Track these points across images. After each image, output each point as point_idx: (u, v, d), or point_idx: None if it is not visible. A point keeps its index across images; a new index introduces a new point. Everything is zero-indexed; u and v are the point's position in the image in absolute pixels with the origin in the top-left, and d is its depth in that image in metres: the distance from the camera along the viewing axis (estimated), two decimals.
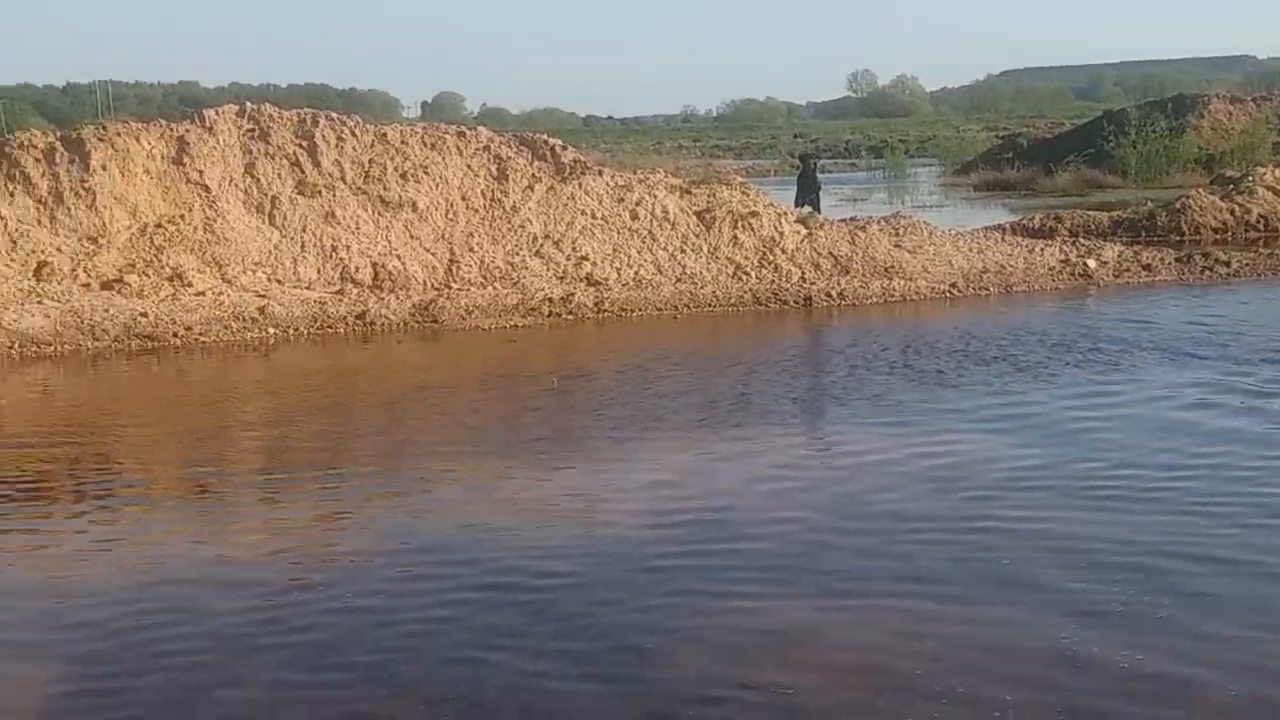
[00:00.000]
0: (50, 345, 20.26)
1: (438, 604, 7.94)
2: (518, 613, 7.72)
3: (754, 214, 25.23)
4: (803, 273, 24.33)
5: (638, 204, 25.13)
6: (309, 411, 14.97)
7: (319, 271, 23.50)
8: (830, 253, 24.82)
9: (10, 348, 20.01)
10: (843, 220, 26.96)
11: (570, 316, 22.55)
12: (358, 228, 23.98)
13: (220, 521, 10.14)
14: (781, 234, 25.00)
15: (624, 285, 23.84)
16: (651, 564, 8.76)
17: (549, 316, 22.53)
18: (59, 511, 10.45)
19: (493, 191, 24.95)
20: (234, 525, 10.00)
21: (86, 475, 11.83)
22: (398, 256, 23.81)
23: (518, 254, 24.34)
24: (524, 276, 23.90)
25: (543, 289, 23.39)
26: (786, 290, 23.57)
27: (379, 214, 24.24)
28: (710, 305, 23.14)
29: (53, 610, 7.63)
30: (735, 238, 24.99)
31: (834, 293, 23.38)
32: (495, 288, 23.54)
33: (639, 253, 24.58)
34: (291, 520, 10.03)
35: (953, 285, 23.79)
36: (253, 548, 9.20)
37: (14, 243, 22.39)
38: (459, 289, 23.38)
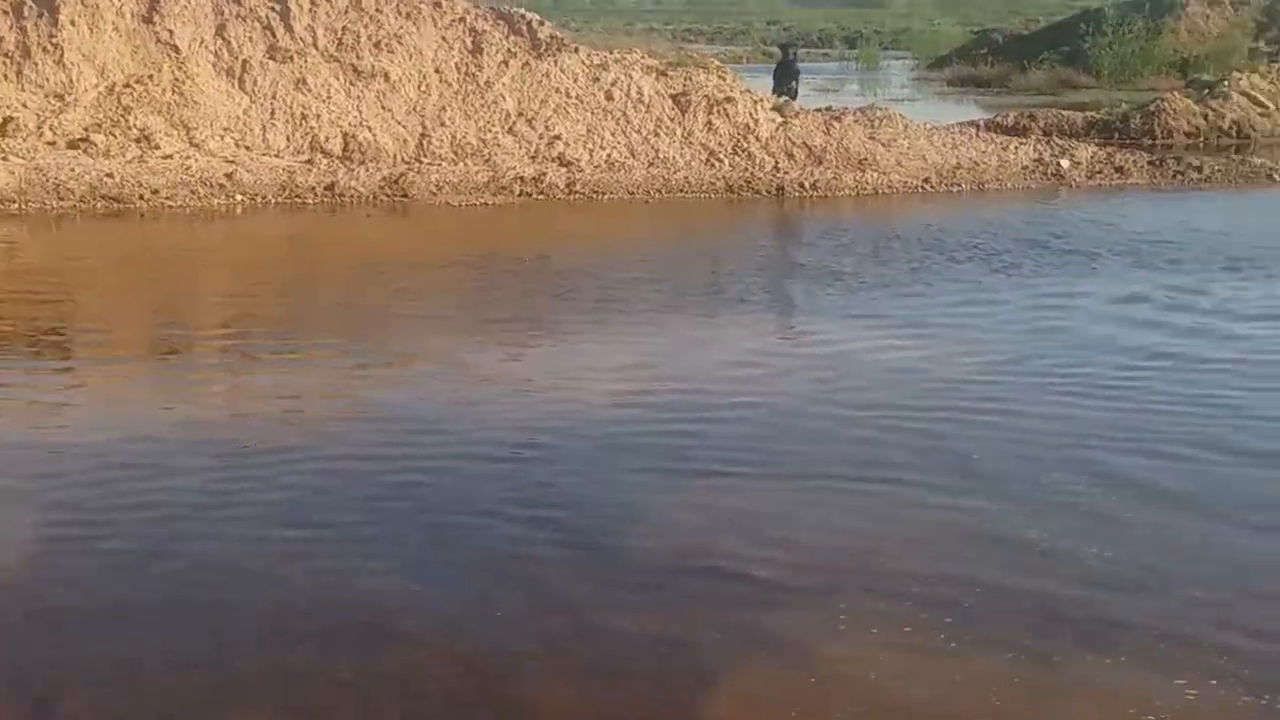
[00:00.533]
0: (14, 203, 20.04)
1: (408, 470, 7.97)
2: (491, 482, 7.76)
3: (730, 99, 25.05)
4: (776, 161, 24.23)
5: (613, 84, 24.89)
6: (275, 281, 14.92)
7: (288, 140, 23.23)
8: (804, 143, 24.70)
9: None
10: (818, 110, 26.79)
11: (541, 196, 22.42)
12: (329, 96, 23.67)
13: (185, 384, 10.10)
14: (756, 121, 24.85)
15: (596, 167, 23.68)
16: (623, 441, 8.82)
17: (520, 196, 22.40)
18: (24, 368, 10.38)
19: (467, 65, 24.64)
20: (199, 389, 9.95)
21: (50, 334, 11.76)
22: (368, 128, 23.54)
23: (490, 130, 24.11)
24: (496, 154, 23.70)
25: (514, 167, 23.21)
26: (759, 179, 23.48)
27: (351, 83, 23.93)
28: (682, 191, 23.06)
29: (27, 460, 7.62)
30: (710, 123, 24.82)
31: (807, 183, 23.32)
32: (466, 164, 23.34)
33: (612, 134, 24.40)
34: (258, 387, 10.00)
35: (925, 180, 23.75)
36: (219, 409, 9.21)
37: None
38: (429, 164, 23.18)
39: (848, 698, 5.17)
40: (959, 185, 23.67)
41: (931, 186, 23.48)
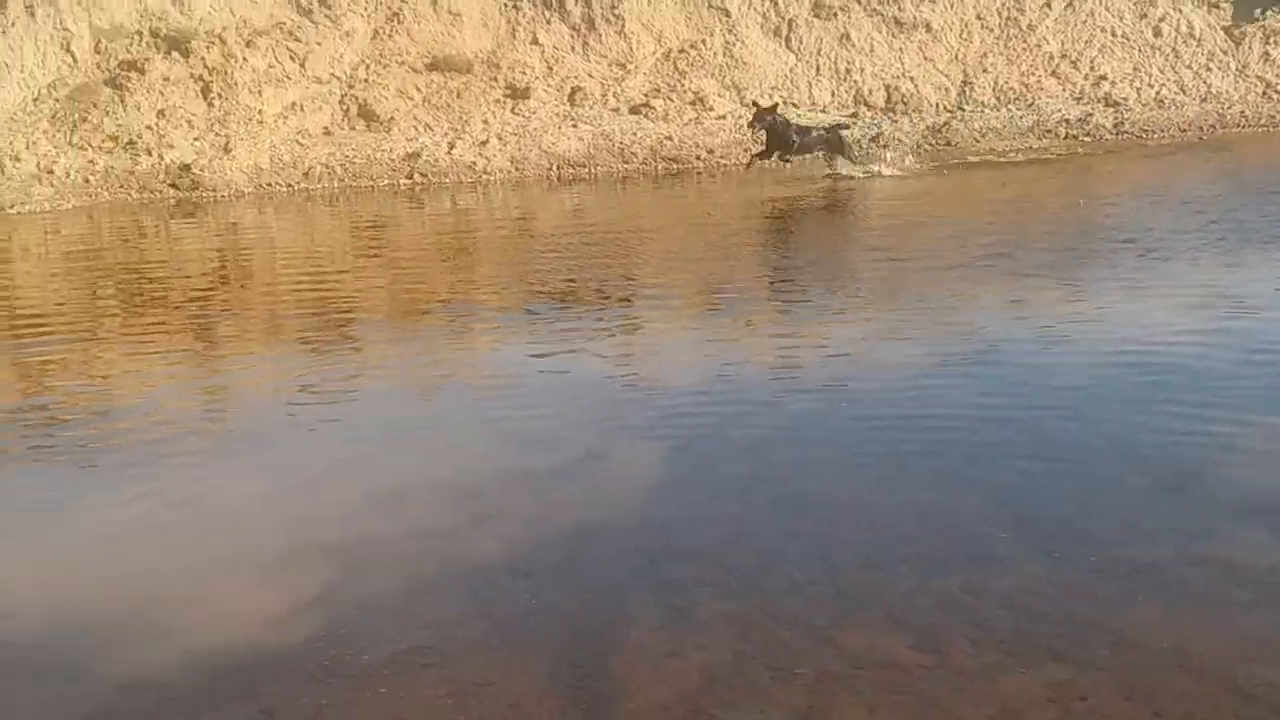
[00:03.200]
0: (584, 167, 21.57)
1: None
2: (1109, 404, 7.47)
3: None
4: None
5: (1161, 20, 24.11)
6: (875, 233, 15.33)
7: (833, 94, 23.90)
8: None
9: (549, 169, 21.46)
10: None
11: (1087, 138, 22.04)
12: (871, 50, 24.15)
13: (738, 332, 10.08)
14: None
15: (1144, 105, 23.07)
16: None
17: (1065, 139, 22.09)
18: (592, 315, 10.90)
19: (1008, 10, 24.51)
20: (762, 338, 9.90)
21: (621, 287, 12.36)
22: (910, 79, 23.87)
23: (1033, 74, 23.93)
24: (1039, 97, 23.48)
25: (1059, 110, 22.93)
26: None
27: (892, 36, 24.30)
28: (1239, 126, 22.07)
29: (623, 400, 8.08)
30: (1266, 54, 23.60)
31: None
32: (1010, 109, 23.25)
33: (1161, 71, 23.66)
34: (823, 333, 10.00)
35: None
36: (801, 355, 9.28)
37: (550, 69, 23.83)
38: (972, 111, 23.24)
39: None
40: None
41: None
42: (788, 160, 18.83)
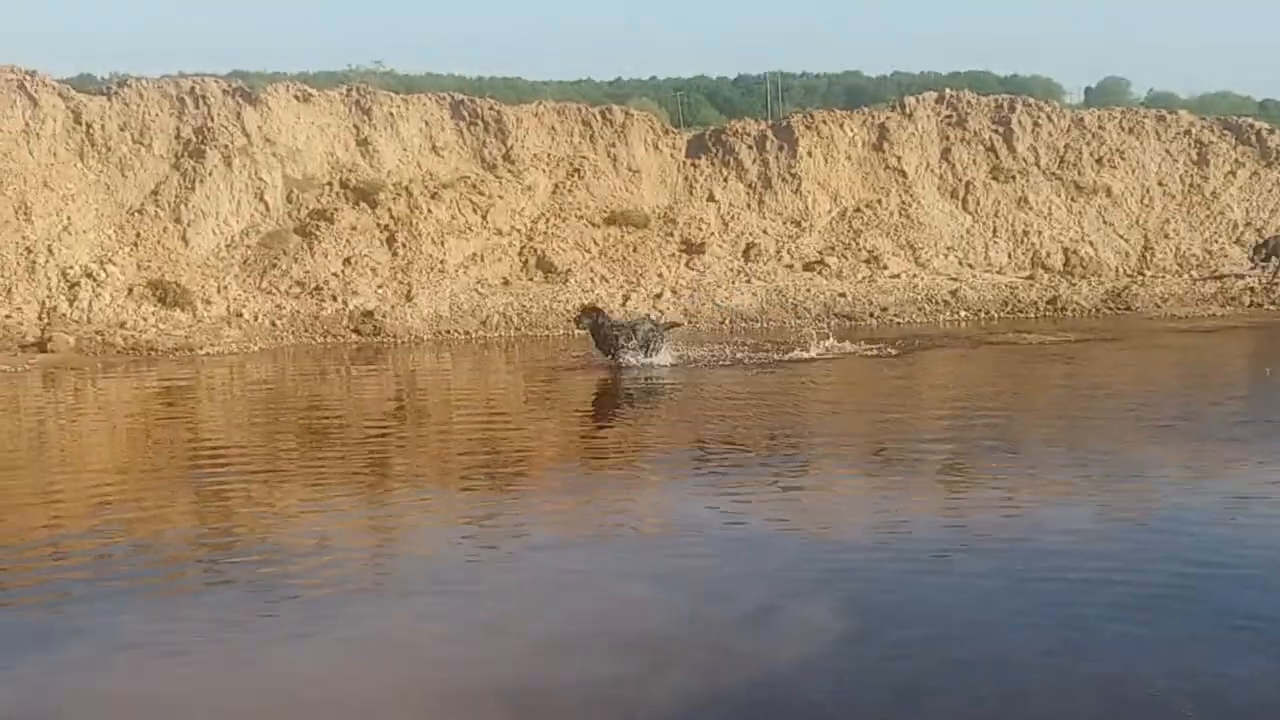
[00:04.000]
0: (756, 321, 21.64)
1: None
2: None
3: None
4: None
5: None
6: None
7: (1009, 256, 23.79)
8: None
9: (721, 323, 21.58)
10: None
11: (1273, 306, 21.51)
12: (1049, 213, 24.04)
13: (910, 484, 9.98)
14: None
15: None
16: None
17: (1249, 307, 21.59)
18: (762, 464, 10.90)
19: (1191, 177, 24.25)
20: (936, 493, 9.78)
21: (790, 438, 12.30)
22: (1089, 242, 23.67)
23: (1216, 241, 23.53)
24: (1222, 264, 23.05)
25: (1243, 278, 22.47)
26: None
27: (1071, 199, 24.19)
28: None
29: (795, 552, 7.96)
30: None
31: None
32: (1190, 276, 22.85)
33: None
34: (1000, 489, 9.83)
35: None
36: (974, 511, 9.10)
37: (726, 225, 24.14)
38: (1152, 276, 22.89)
39: None
40: None
41: None
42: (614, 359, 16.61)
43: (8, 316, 20.34)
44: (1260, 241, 18.10)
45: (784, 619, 6.49)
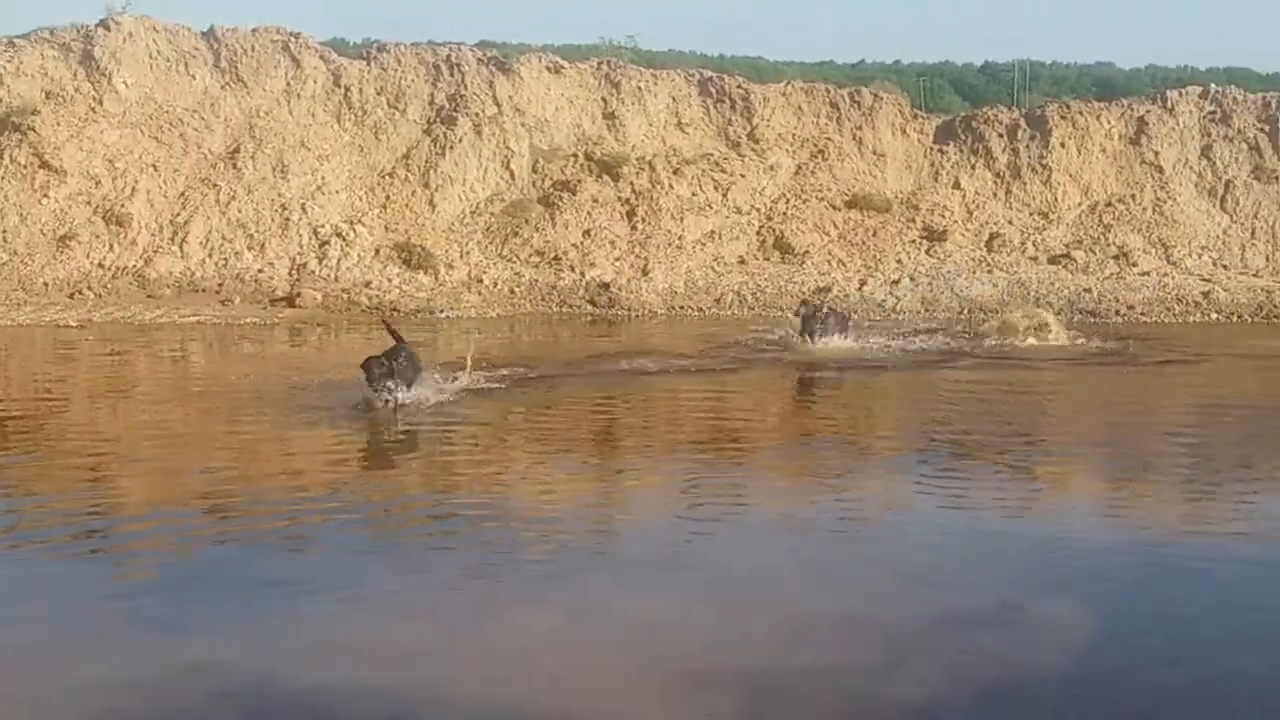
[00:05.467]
0: (995, 313, 21.03)
1: None
2: None
3: None
4: None
5: None
6: None
7: (1267, 259, 22.78)
8: None
9: (960, 313, 21.10)
10: None
11: None
12: None
13: (1153, 490, 9.64)
14: None
15: None
16: None
17: None
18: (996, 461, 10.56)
19: None
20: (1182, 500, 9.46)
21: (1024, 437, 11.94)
22: None
23: None
24: None
25: None
26: None
27: None
28: None
29: (1034, 552, 7.71)
30: None
31: None
32: None
33: None
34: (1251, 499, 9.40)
35: None
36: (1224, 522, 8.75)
37: (970, 213, 23.63)
38: None
39: None
40: None
41: None
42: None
43: (260, 271, 21.11)
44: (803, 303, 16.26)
45: (1028, 617, 6.31)
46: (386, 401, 11.11)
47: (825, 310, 16.79)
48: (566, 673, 5.49)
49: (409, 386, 11.28)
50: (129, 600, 6.35)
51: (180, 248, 21.16)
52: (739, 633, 5.97)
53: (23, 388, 14.32)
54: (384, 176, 22.93)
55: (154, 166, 22.07)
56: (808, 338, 16.28)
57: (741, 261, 22.63)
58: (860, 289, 21.57)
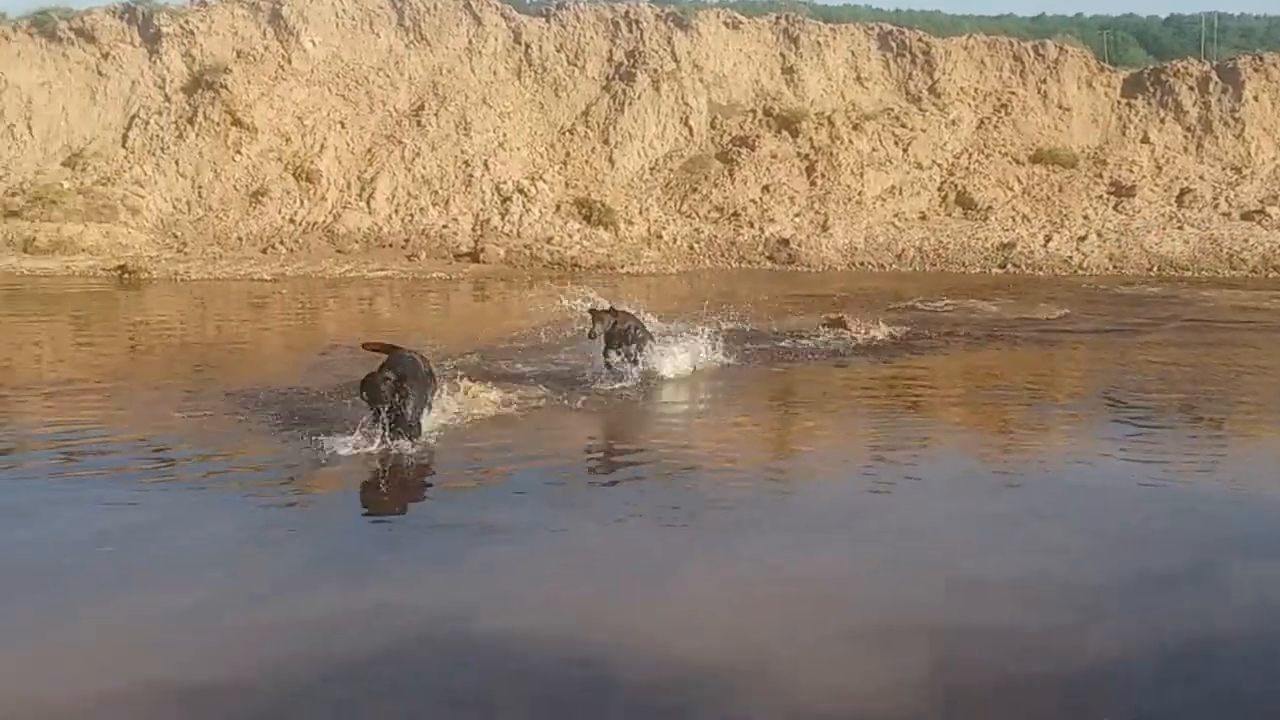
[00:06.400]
0: (1188, 270, 20.56)
1: None
2: None
3: None
4: None
5: None
6: None
7: None
8: None
9: (1149, 269, 20.60)
10: None
11: None
12: None
13: None
14: None
15: None
16: None
17: None
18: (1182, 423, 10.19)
19: None
20: None
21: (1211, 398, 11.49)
22: None
23: None
24: None
25: None
26: None
27: None
28: None
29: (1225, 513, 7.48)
30: None
31: None
32: None
33: None
34: None
35: None
36: None
37: (1159, 168, 23.02)
38: None
39: None
40: None
41: None
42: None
43: (445, 227, 21.47)
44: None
45: (1218, 579, 6.16)
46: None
47: (631, 326, 11.52)
48: (750, 624, 5.55)
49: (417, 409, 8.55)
50: (327, 543, 6.58)
51: (368, 204, 21.63)
52: (924, 591, 5.94)
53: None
54: (564, 133, 23.11)
55: (341, 124, 22.56)
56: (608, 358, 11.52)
57: (923, 217, 22.35)
58: (1045, 245, 21.17)
